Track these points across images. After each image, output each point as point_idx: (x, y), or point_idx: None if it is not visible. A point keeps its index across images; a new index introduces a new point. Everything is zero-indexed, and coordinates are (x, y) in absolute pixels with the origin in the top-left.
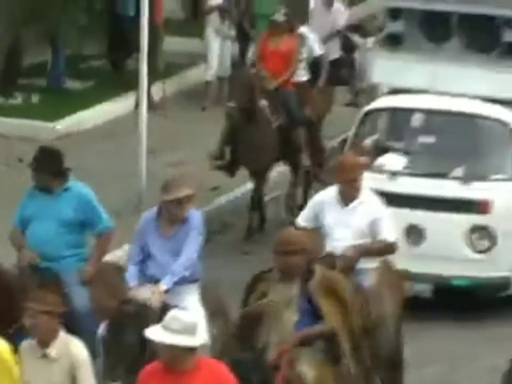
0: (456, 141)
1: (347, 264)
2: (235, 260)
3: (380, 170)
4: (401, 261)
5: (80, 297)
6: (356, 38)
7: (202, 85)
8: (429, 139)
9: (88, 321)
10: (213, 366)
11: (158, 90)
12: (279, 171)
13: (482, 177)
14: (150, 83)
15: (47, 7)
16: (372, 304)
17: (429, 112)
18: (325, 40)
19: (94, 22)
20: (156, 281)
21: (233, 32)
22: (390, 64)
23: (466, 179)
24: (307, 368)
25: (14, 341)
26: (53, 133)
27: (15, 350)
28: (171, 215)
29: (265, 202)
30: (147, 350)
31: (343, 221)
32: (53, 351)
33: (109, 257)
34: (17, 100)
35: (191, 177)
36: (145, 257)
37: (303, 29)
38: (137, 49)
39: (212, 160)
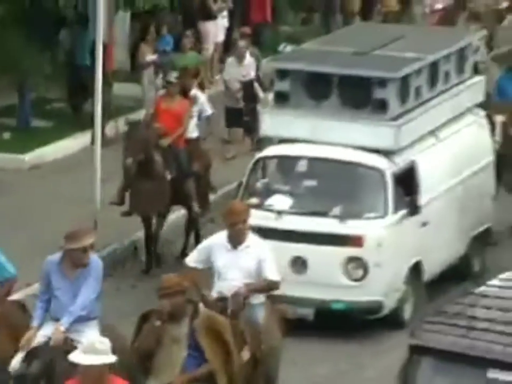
0: (335, 184)
1: (238, 302)
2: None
3: (269, 210)
4: (288, 287)
5: None
6: (259, 91)
7: None
8: (311, 182)
9: None
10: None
11: (111, 128)
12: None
13: (357, 216)
14: (104, 122)
15: (17, 58)
16: (263, 336)
17: (311, 159)
18: (237, 91)
19: (57, 71)
20: (57, 320)
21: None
22: (278, 118)
23: (343, 217)
24: None
25: None
26: (22, 164)
27: None
28: (75, 261)
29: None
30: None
31: (233, 262)
32: None
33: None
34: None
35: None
36: (50, 297)
37: (194, 91)
38: (92, 94)
39: (114, 205)
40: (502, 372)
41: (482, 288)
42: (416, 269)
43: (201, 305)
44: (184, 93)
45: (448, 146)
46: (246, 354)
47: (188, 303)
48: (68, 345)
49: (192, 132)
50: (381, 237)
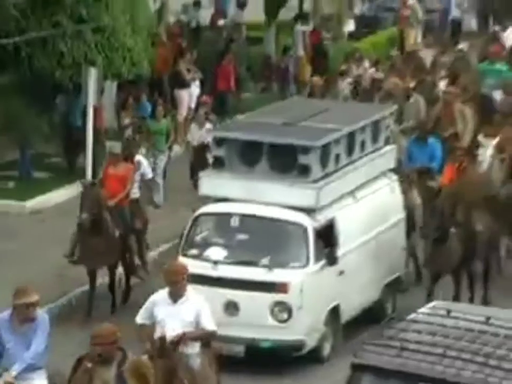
0: (264, 238)
1: (173, 350)
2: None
3: (207, 260)
4: (222, 328)
5: None
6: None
7: None
8: (244, 236)
9: None
10: None
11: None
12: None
13: (283, 265)
14: (94, 174)
15: (19, 120)
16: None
17: (243, 216)
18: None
19: (54, 131)
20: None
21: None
22: (215, 180)
23: (270, 266)
24: None
25: None
26: (23, 209)
27: None
28: (22, 316)
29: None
30: None
31: (174, 315)
32: None
33: None
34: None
35: None
36: (1, 350)
37: (138, 157)
38: (84, 150)
39: (67, 257)
40: None
41: (413, 315)
42: (334, 312)
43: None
44: (127, 159)
45: (364, 205)
46: None
47: (117, 350)
48: None
49: (134, 194)
50: (303, 284)
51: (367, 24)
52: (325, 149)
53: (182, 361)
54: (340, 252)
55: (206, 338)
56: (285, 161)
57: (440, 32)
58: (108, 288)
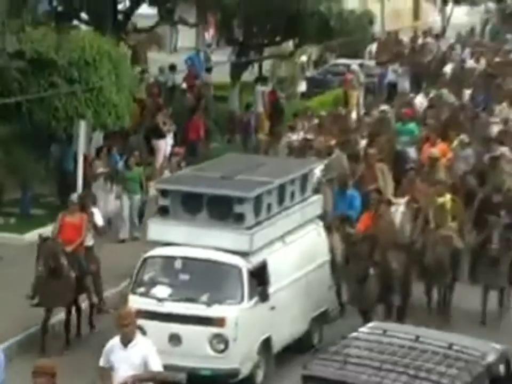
0: (203, 278)
1: None
2: None
3: (153, 297)
4: (166, 358)
5: None
6: None
7: None
8: (186, 276)
9: None
10: None
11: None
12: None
13: (220, 302)
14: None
15: (19, 165)
16: None
17: (185, 259)
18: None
19: (49, 175)
20: None
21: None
22: (161, 227)
23: (209, 303)
24: None
25: None
26: (22, 242)
27: None
28: None
29: None
30: None
31: (125, 359)
32: None
33: None
34: (0, 221)
35: None
36: None
37: (92, 209)
38: (75, 190)
39: (28, 299)
40: None
41: (354, 334)
42: (266, 343)
43: None
44: (83, 209)
45: (293, 249)
46: None
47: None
48: None
49: (89, 241)
50: (238, 318)
51: (316, 86)
52: (258, 199)
53: None
54: (271, 289)
55: (153, 379)
56: (222, 210)
57: (378, 93)
58: (63, 326)
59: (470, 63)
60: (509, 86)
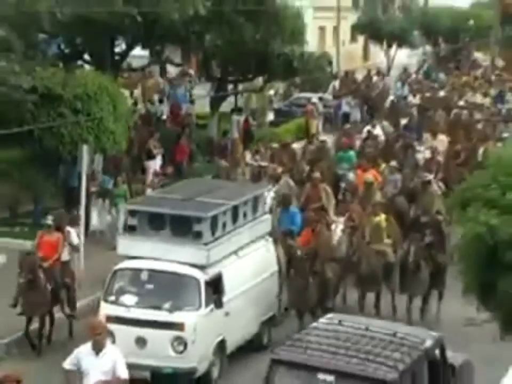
0: (166, 288)
1: None
2: None
3: (122, 304)
4: (133, 358)
5: None
6: None
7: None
8: (150, 286)
9: None
10: None
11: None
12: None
13: (180, 309)
14: (88, 220)
15: (32, 183)
16: None
17: (150, 270)
18: None
19: (57, 190)
20: None
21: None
22: (129, 242)
23: (171, 310)
24: None
25: None
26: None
27: None
28: None
29: None
30: None
31: (95, 365)
32: None
33: None
34: (16, 229)
35: None
36: None
37: (68, 228)
38: (79, 203)
39: (11, 307)
40: (325, 375)
41: (314, 324)
42: (221, 344)
43: None
44: (59, 229)
45: (245, 261)
46: None
47: None
48: None
49: (65, 257)
50: (196, 323)
51: (283, 115)
52: (214, 219)
53: None
54: (225, 298)
55: None
56: (183, 228)
57: (334, 122)
58: (38, 333)
59: (409, 98)
60: (438, 119)
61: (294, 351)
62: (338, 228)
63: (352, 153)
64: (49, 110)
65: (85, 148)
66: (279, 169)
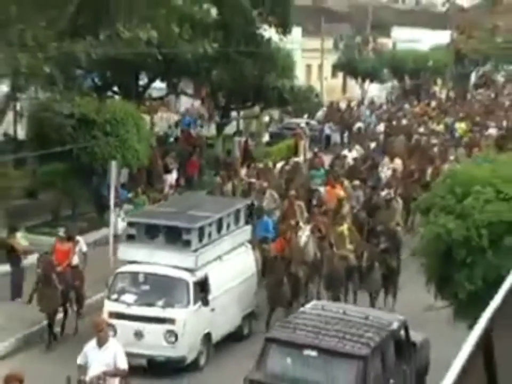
0: (160, 288)
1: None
2: None
3: (123, 302)
4: (132, 348)
5: None
6: None
7: None
8: (146, 287)
9: None
10: None
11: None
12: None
13: (172, 306)
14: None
15: (70, 192)
16: None
17: (146, 273)
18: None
19: (91, 197)
20: None
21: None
22: (128, 249)
23: (164, 307)
24: None
25: None
26: None
27: None
28: None
29: None
30: None
31: (99, 357)
32: None
33: None
34: (57, 229)
35: None
36: None
37: (78, 237)
38: (108, 209)
39: (27, 303)
40: (310, 351)
41: (302, 309)
42: (207, 336)
43: None
44: (70, 238)
45: (228, 265)
46: None
47: None
48: None
49: (74, 261)
50: (186, 318)
51: (276, 137)
52: (201, 229)
53: None
54: (211, 296)
55: (121, 375)
56: (175, 237)
57: (318, 143)
58: (47, 328)
59: (378, 125)
60: (398, 144)
61: (284, 331)
62: (304, 234)
63: (322, 171)
64: (84, 132)
65: (113, 163)
66: (265, 184)
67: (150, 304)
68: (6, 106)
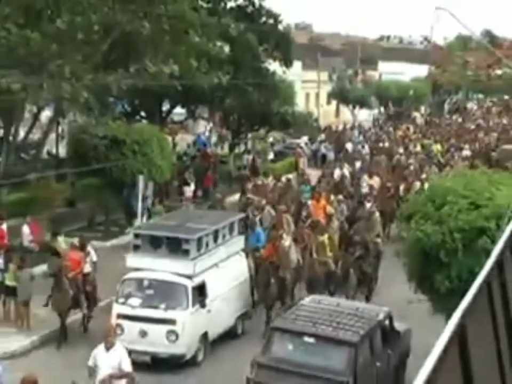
0: (162, 292)
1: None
2: None
3: (129, 305)
4: (137, 346)
5: None
6: None
7: None
8: (150, 291)
9: None
10: None
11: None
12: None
13: (173, 308)
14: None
15: (104, 202)
16: None
17: (150, 280)
18: None
19: (121, 206)
20: None
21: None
22: (135, 258)
23: (166, 309)
24: None
25: None
26: (106, 246)
27: None
28: None
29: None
30: None
31: (106, 360)
32: None
33: None
34: (93, 234)
35: None
36: None
37: (89, 247)
38: (137, 217)
39: (44, 306)
40: (308, 338)
41: (301, 302)
42: (205, 335)
43: None
44: (82, 247)
45: (224, 271)
46: None
47: None
48: None
49: (86, 269)
50: (185, 319)
51: (279, 155)
52: (199, 240)
53: None
54: (208, 299)
55: (126, 377)
56: (175, 247)
57: (315, 161)
58: (60, 328)
59: (364, 147)
60: (378, 163)
61: (287, 321)
62: (286, 242)
63: (309, 187)
64: (116, 151)
65: (140, 178)
66: (263, 201)
67: (154, 307)
68: (50, 128)
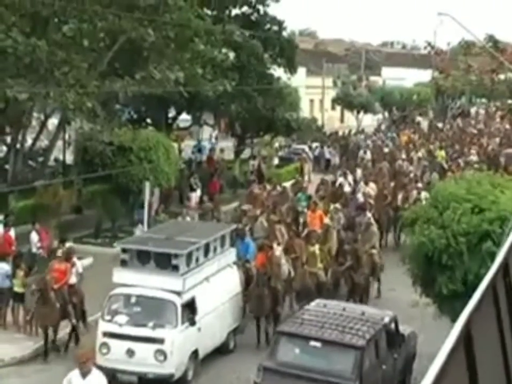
0: (150, 309)
1: None
2: None
3: (116, 323)
4: (123, 366)
5: None
6: None
7: None
8: (138, 308)
9: None
10: None
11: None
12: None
13: (162, 326)
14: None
15: (111, 209)
16: None
17: (138, 296)
18: None
19: (128, 213)
20: None
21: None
22: (121, 273)
23: (154, 327)
24: None
25: None
26: (113, 252)
27: None
28: None
29: None
30: None
31: None
32: None
33: None
34: (99, 240)
35: None
36: None
37: (74, 259)
38: (143, 223)
39: (27, 321)
40: (314, 342)
41: (307, 306)
42: (195, 353)
43: None
44: (68, 259)
45: (215, 286)
46: None
47: None
48: None
49: (72, 281)
50: (174, 338)
51: (284, 160)
52: (189, 254)
53: None
54: (198, 316)
55: None
56: (164, 262)
57: (319, 166)
58: (44, 342)
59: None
60: (378, 169)
61: (293, 325)
62: (276, 251)
63: (305, 195)
64: (122, 157)
65: (147, 184)
66: (258, 212)
67: (141, 325)
68: (57, 136)
